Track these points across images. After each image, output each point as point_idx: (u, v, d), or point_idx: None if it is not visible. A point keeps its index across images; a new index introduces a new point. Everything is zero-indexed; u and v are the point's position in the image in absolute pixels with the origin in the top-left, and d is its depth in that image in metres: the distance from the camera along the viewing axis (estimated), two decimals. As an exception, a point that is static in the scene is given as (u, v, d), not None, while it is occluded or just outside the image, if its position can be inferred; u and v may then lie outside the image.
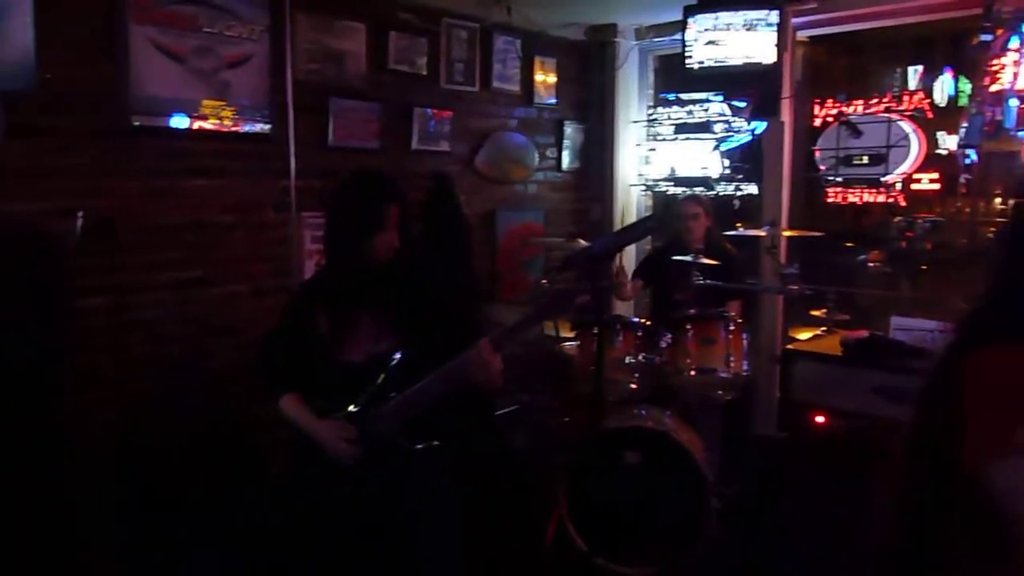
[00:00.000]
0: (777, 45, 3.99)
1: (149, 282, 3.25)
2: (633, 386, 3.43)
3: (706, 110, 4.80)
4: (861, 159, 4.39)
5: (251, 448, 3.33)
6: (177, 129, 3.31)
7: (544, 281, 4.01)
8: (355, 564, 2.09)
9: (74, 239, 2.88)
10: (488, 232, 4.72)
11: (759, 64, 4.07)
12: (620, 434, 3.22)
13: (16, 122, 2.86)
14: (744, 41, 4.08)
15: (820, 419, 3.20)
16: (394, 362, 2.08)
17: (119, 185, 3.16)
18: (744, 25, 4.06)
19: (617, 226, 5.14)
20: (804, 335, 3.62)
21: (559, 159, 5.17)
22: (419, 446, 2.07)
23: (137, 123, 3.18)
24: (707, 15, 4.17)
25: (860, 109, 4.48)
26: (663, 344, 3.45)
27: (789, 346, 3.53)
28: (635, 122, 5.24)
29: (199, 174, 3.41)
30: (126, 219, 3.13)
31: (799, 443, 3.27)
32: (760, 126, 4.53)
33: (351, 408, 2.08)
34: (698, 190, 4.78)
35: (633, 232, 2.40)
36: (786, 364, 3.40)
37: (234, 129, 3.49)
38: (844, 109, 4.55)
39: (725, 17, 4.10)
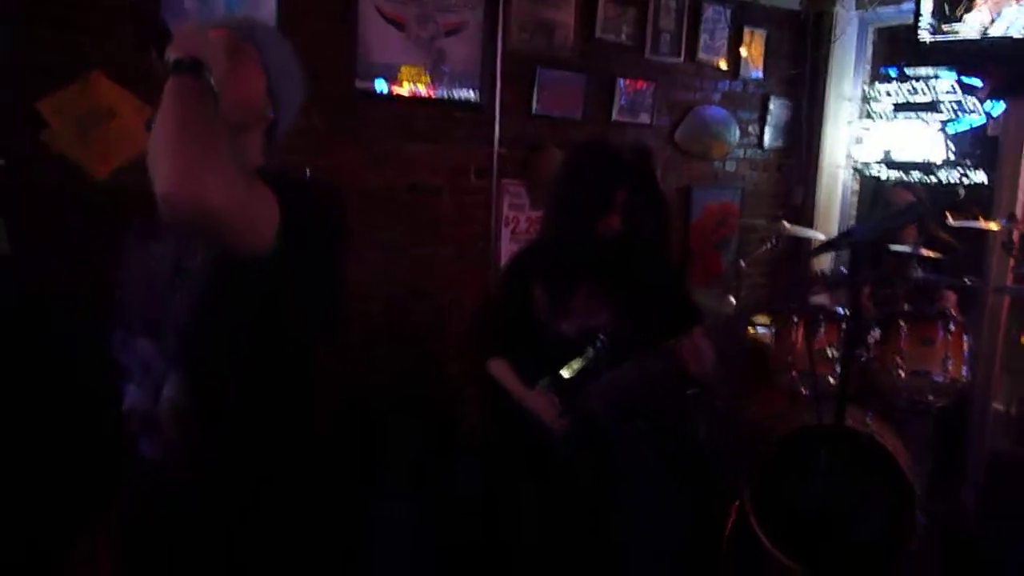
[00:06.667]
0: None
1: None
2: (833, 381, 3.23)
3: (933, 88, 4.38)
4: None
5: (445, 406, 3.47)
6: (394, 94, 3.44)
7: (743, 264, 3.83)
8: (553, 535, 2.10)
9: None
10: (682, 209, 4.58)
11: (1009, 39, 3.62)
12: (816, 432, 3.04)
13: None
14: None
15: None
16: (606, 337, 2.05)
17: (343, 146, 3.34)
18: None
19: (820, 210, 4.85)
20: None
21: (761, 136, 4.91)
22: (627, 426, 2.05)
23: (360, 87, 3.36)
24: (949, -18, 3.76)
25: None
26: (871, 340, 3.22)
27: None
28: (848, 99, 4.87)
29: (414, 138, 3.54)
30: (348, 180, 3.28)
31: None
32: (997, 107, 4.06)
33: (562, 379, 2.07)
34: (915, 175, 4.40)
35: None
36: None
37: (446, 96, 3.59)
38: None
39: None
